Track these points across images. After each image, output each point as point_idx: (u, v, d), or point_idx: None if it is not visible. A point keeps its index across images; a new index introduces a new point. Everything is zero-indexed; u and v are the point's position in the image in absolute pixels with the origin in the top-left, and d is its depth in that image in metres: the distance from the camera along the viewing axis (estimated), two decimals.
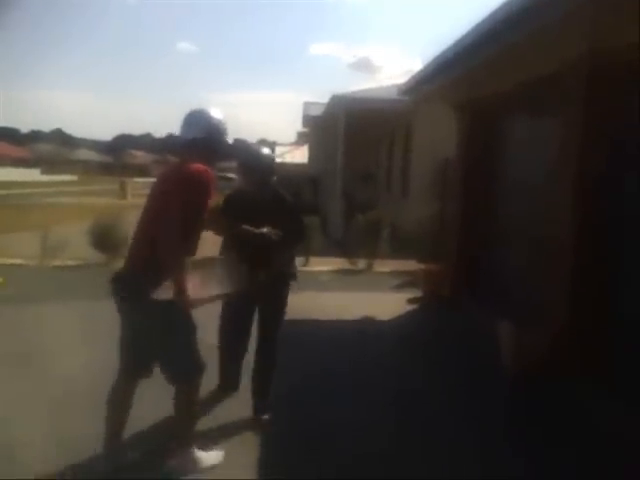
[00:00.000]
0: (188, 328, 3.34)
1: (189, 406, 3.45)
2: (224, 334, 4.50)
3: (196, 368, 3.40)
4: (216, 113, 3.49)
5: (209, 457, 3.52)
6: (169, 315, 3.19)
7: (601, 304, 5.00)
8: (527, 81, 6.24)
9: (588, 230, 5.09)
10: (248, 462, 3.61)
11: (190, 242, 3.32)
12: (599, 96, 5.02)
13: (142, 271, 3.27)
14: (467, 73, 6.76)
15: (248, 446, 3.82)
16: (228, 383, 4.57)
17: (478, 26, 5.41)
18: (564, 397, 4.83)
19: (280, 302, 4.33)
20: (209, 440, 3.70)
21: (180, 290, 3.10)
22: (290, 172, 29.91)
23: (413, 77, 8.32)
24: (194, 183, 3.23)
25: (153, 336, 3.30)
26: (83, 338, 5.74)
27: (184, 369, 3.37)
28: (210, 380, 4.04)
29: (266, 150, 4.38)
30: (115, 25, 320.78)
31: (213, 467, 3.48)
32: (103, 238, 10.06)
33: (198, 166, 3.26)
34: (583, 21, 4.55)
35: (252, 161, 4.25)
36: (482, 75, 6.82)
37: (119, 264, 9.33)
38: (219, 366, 4.51)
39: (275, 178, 4.33)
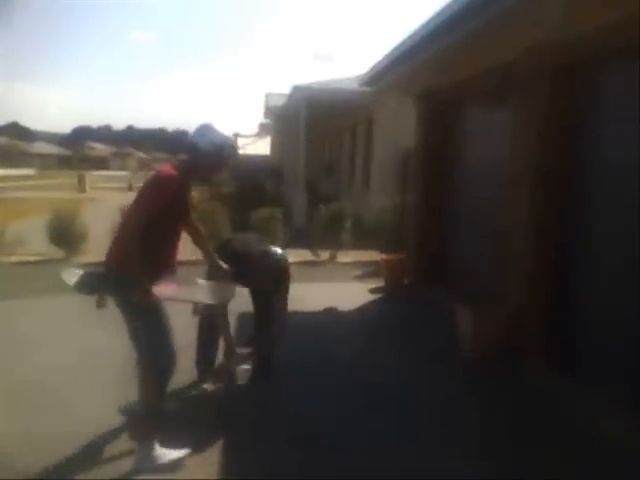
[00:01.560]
0: (157, 317, 3.39)
1: (147, 394, 3.45)
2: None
3: (162, 358, 3.41)
4: (225, 133, 3.75)
5: (171, 454, 3.45)
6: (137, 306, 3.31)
7: (557, 290, 5.11)
8: (485, 70, 6.31)
9: (544, 217, 5.19)
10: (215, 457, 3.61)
11: (155, 242, 3.38)
12: (556, 84, 5.11)
13: (116, 270, 3.38)
14: (426, 62, 6.83)
15: (214, 443, 3.79)
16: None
17: (436, 15, 5.47)
18: (520, 381, 4.93)
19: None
20: (175, 437, 3.60)
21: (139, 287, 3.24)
22: (253, 163, 29.80)
23: (373, 67, 8.37)
24: (157, 184, 3.47)
25: (126, 322, 3.42)
26: (41, 335, 5.65)
27: (149, 356, 3.42)
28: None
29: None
30: (71, 16, 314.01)
31: (175, 465, 3.41)
32: (61, 233, 9.88)
33: (166, 169, 3.51)
34: (540, 9, 4.62)
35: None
36: (441, 64, 6.90)
37: (78, 259, 9.26)
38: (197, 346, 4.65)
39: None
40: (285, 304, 4.84)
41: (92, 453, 3.52)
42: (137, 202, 3.44)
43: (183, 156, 3.74)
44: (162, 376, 3.44)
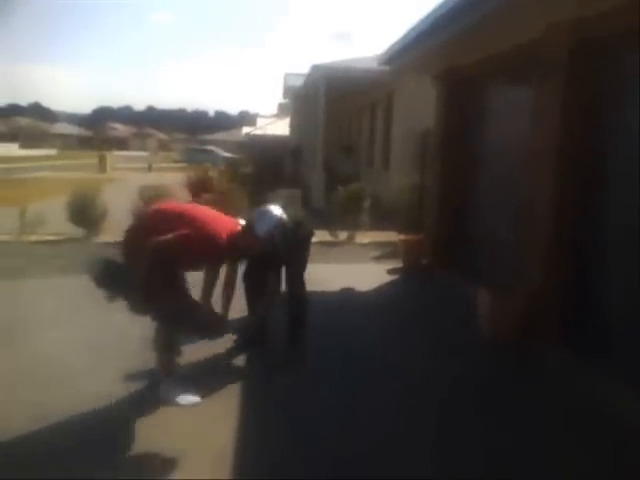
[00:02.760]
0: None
1: (166, 341, 3.86)
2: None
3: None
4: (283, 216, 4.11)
5: (185, 397, 3.80)
6: None
7: (575, 271, 5.06)
8: (507, 49, 6.21)
9: (563, 199, 5.13)
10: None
11: None
12: (580, 64, 5.01)
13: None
14: (446, 41, 6.72)
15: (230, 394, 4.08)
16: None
17: None
18: (538, 362, 4.91)
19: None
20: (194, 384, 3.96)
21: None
22: (272, 144, 29.79)
23: (392, 46, 8.26)
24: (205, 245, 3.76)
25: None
26: (60, 313, 5.73)
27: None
28: None
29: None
30: None
31: (183, 406, 3.76)
32: (81, 212, 9.96)
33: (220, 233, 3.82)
34: None
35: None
36: (461, 43, 6.79)
37: (98, 239, 9.33)
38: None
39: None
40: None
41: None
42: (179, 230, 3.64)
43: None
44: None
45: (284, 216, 4.04)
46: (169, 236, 3.56)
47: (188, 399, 3.82)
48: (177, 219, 3.79)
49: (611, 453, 3.54)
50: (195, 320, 3.92)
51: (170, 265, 3.67)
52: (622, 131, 4.66)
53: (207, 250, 3.77)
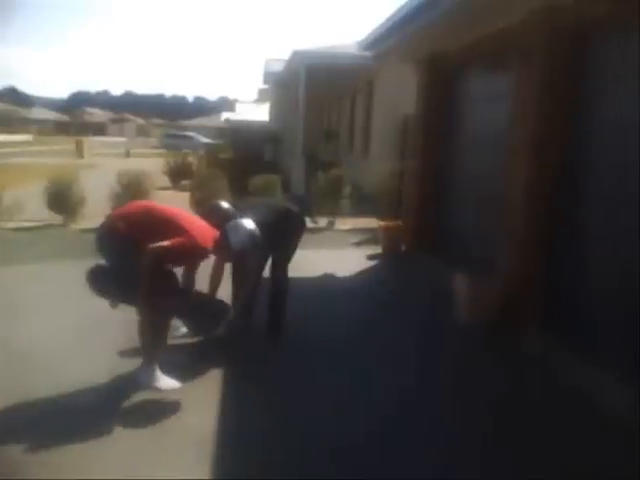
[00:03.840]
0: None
1: (151, 330, 3.93)
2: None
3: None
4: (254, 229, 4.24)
5: (165, 381, 3.91)
6: None
7: (552, 257, 5.14)
8: (487, 36, 6.23)
9: (539, 186, 5.19)
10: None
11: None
12: (557, 50, 5.05)
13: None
14: (427, 27, 6.73)
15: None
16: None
17: None
18: (515, 348, 4.99)
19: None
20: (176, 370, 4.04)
21: None
22: (251, 130, 29.64)
23: (373, 32, 8.25)
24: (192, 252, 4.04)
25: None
26: (39, 300, 5.69)
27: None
28: None
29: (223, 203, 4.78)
30: None
31: (163, 391, 3.86)
32: (59, 199, 9.85)
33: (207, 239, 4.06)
34: None
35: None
36: (441, 30, 6.80)
37: (76, 225, 9.24)
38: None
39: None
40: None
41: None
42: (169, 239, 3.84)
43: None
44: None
45: (254, 229, 4.22)
46: (167, 243, 3.81)
47: (168, 383, 3.91)
48: (165, 223, 3.99)
49: (589, 439, 3.60)
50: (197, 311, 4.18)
51: (165, 266, 4.02)
52: (600, 120, 4.72)
53: (194, 256, 4.13)
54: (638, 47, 4.19)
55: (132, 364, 4.10)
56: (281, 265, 5.01)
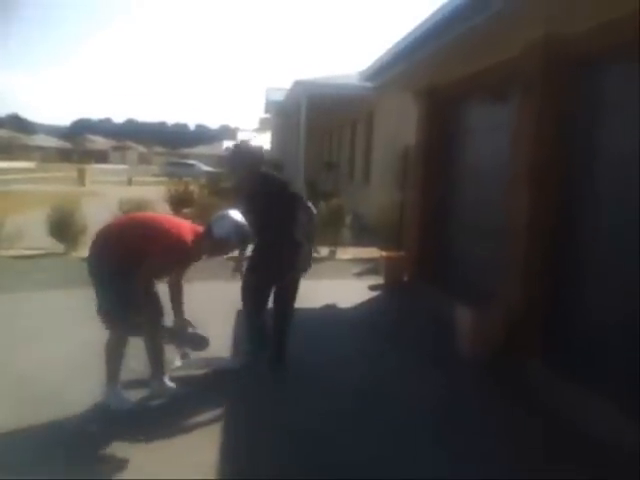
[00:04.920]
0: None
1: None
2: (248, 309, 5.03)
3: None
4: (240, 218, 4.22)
5: (118, 402, 4.10)
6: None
7: (555, 289, 5.12)
8: (486, 67, 6.30)
9: (542, 217, 5.19)
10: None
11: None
12: (554, 82, 5.10)
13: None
14: (427, 59, 6.80)
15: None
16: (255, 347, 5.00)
17: (437, 12, 5.43)
18: (518, 380, 4.94)
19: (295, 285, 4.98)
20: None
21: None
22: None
23: (374, 63, 8.32)
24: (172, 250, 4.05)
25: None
26: (39, 328, 5.66)
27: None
28: None
29: (252, 142, 4.77)
30: (73, 6, 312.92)
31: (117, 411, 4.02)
32: (60, 227, 9.85)
33: (186, 236, 4.07)
34: (540, 7, 4.60)
35: (237, 152, 4.95)
36: (442, 61, 6.87)
37: (77, 254, 9.23)
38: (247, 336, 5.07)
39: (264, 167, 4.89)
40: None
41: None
42: (152, 253, 3.94)
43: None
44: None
45: (242, 220, 4.19)
46: (149, 263, 3.92)
47: (121, 403, 4.10)
48: (143, 228, 4.15)
49: (590, 471, 3.56)
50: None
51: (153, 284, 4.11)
52: (600, 150, 4.75)
53: (178, 258, 4.08)
54: (637, 77, 4.23)
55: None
56: (292, 295, 5.00)
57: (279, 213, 4.77)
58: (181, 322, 4.48)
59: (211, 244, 4.17)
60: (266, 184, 4.87)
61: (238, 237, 4.19)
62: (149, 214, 4.51)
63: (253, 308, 4.97)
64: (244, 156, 4.88)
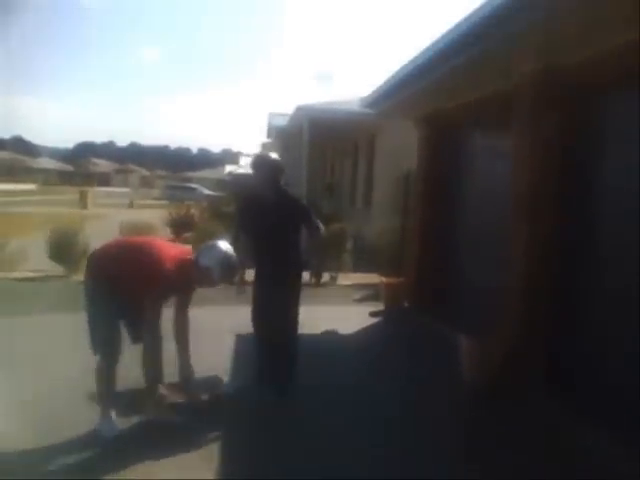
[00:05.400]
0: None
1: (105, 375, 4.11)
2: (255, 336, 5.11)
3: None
4: (228, 250, 4.21)
5: (105, 428, 4.03)
6: None
7: (558, 318, 5.09)
8: (484, 96, 6.35)
9: (540, 245, 5.19)
10: None
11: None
12: (550, 111, 5.16)
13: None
14: (427, 87, 6.86)
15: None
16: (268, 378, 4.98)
17: (436, 42, 5.50)
18: (520, 411, 4.89)
19: (294, 296, 4.94)
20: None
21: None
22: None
23: (375, 90, 8.39)
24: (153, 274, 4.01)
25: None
26: (37, 352, 5.62)
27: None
28: None
29: (274, 154, 5.06)
30: (78, 30, 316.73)
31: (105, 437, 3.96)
32: (61, 250, 9.81)
33: (170, 261, 4.06)
34: (536, 39, 4.66)
35: (260, 162, 4.95)
36: (442, 89, 6.93)
37: (78, 277, 9.21)
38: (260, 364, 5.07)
39: (283, 180, 4.97)
40: None
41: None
42: (137, 281, 3.97)
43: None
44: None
45: (230, 250, 4.20)
46: (154, 288, 3.93)
47: (106, 429, 4.01)
48: (135, 252, 4.13)
49: None
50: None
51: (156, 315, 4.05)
52: (595, 177, 4.77)
53: (162, 286, 4.01)
54: (632, 106, 4.26)
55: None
56: (293, 318, 4.98)
57: (287, 226, 4.88)
58: (186, 367, 4.48)
59: (198, 274, 4.13)
60: (282, 196, 4.93)
61: (223, 267, 4.13)
62: (141, 239, 4.49)
63: (257, 330, 5.04)
64: (266, 165, 4.93)
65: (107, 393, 4.12)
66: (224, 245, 4.21)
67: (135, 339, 4.22)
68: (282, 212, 4.86)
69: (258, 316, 5.02)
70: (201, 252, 4.17)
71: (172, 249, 4.25)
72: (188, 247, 4.48)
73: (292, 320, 4.95)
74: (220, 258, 4.12)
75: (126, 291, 4.02)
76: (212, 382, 4.66)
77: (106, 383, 4.11)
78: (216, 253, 4.13)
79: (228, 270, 4.18)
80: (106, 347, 4.06)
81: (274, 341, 4.97)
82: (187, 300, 4.46)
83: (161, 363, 4.18)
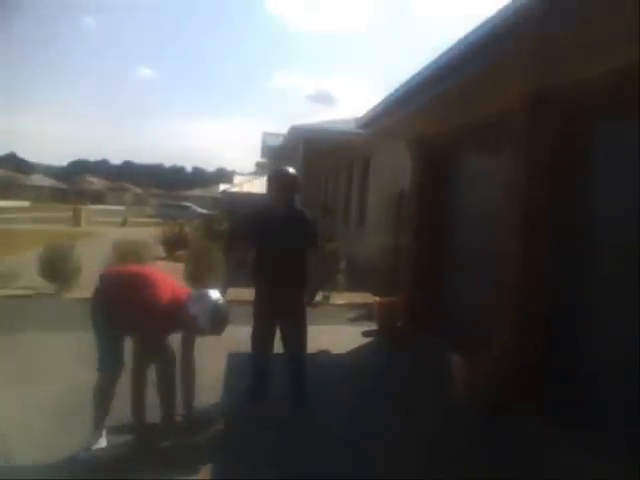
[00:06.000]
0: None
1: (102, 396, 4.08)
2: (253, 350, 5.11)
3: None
4: (218, 299, 4.17)
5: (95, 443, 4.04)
6: None
7: (551, 338, 5.09)
8: (477, 118, 6.40)
9: (533, 264, 5.21)
10: None
11: None
12: (542, 134, 5.19)
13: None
14: (420, 109, 6.90)
15: None
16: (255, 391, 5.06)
17: (431, 64, 5.54)
18: (514, 431, 4.86)
19: (301, 316, 5.04)
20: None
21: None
22: (248, 201, 29.88)
23: (369, 112, 8.44)
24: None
25: None
26: (26, 371, 5.56)
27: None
28: None
29: (291, 169, 5.02)
30: (73, 49, 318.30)
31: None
32: (53, 267, 9.74)
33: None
34: (529, 61, 4.71)
35: (277, 176, 4.98)
36: (435, 111, 6.97)
37: (70, 295, 9.15)
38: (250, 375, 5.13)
39: (297, 196, 5.00)
40: None
41: None
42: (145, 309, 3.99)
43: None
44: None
45: (220, 302, 4.15)
46: (151, 322, 3.98)
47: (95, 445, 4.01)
48: (138, 284, 4.12)
49: None
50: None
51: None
52: (587, 197, 4.80)
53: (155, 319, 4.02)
54: (629, 130, 4.29)
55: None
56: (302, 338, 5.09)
57: (295, 243, 4.91)
58: (188, 404, 4.45)
59: (188, 321, 4.09)
60: (294, 212, 4.98)
61: (212, 318, 4.08)
62: (146, 272, 4.43)
63: (254, 348, 5.08)
64: (282, 180, 4.96)
65: (101, 410, 4.09)
66: (214, 294, 4.16)
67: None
68: (292, 229, 4.88)
69: (261, 334, 5.03)
70: (191, 300, 4.12)
71: (170, 287, 4.22)
72: (185, 289, 4.44)
73: (303, 339, 5.06)
74: (209, 308, 4.07)
75: (125, 320, 4.04)
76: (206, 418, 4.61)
77: (101, 400, 4.08)
78: (206, 302, 4.09)
79: (217, 321, 4.11)
80: (103, 365, 4.06)
81: (291, 357, 5.06)
82: (191, 338, 4.39)
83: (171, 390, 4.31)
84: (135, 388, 4.26)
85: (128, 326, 4.07)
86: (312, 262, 5.05)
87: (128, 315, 4.00)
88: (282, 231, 4.84)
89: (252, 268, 5.02)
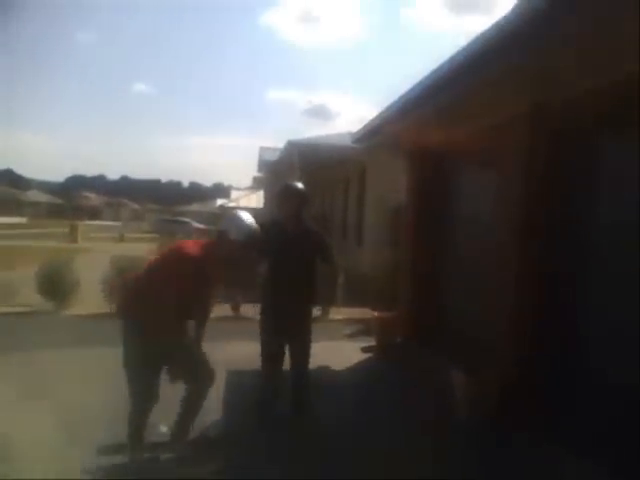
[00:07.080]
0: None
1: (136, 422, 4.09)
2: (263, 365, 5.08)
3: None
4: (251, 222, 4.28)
5: None
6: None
7: (550, 354, 5.08)
8: (475, 131, 6.42)
9: (532, 277, 5.21)
10: None
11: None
12: (542, 147, 5.21)
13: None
14: (417, 123, 6.93)
15: None
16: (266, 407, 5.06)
17: (426, 78, 5.56)
18: (514, 449, 4.83)
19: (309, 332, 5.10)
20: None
21: None
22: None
23: (365, 126, 8.47)
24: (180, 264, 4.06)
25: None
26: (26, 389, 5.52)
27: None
28: None
29: (300, 184, 5.08)
30: (70, 64, 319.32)
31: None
32: (50, 284, 9.71)
33: (190, 248, 4.12)
34: (528, 74, 4.73)
35: (287, 191, 5.00)
36: (431, 125, 7.00)
37: (68, 312, 9.10)
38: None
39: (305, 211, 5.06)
40: None
41: None
42: (165, 278, 3.99)
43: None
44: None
45: (250, 220, 4.28)
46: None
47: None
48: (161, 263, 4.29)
49: None
50: None
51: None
52: (584, 213, 4.83)
53: (191, 270, 3.98)
54: (627, 144, 4.32)
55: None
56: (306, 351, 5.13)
57: (305, 258, 4.95)
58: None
59: (221, 244, 4.21)
60: (303, 227, 5.04)
61: (244, 231, 4.20)
62: (161, 253, 4.59)
63: (265, 363, 5.06)
64: (291, 195, 5.01)
65: (135, 436, 4.11)
66: (244, 214, 4.33)
67: (173, 378, 4.21)
68: (302, 243, 4.91)
69: (271, 350, 5.03)
70: (223, 222, 4.40)
71: (192, 242, 4.36)
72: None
73: (308, 354, 5.15)
74: (240, 222, 4.24)
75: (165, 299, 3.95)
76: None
77: (134, 428, 4.10)
78: (236, 220, 4.26)
79: (249, 232, 4.23)
80: (137, 397, 4.05)
81: (297, 371, 5.11)
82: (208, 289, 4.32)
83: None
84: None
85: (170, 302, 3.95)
86: (329, 277, 5.23)
87: (164, 291, 3.95)
88: (294, 246, 4.87)
89: (261, 283, 5.06)
